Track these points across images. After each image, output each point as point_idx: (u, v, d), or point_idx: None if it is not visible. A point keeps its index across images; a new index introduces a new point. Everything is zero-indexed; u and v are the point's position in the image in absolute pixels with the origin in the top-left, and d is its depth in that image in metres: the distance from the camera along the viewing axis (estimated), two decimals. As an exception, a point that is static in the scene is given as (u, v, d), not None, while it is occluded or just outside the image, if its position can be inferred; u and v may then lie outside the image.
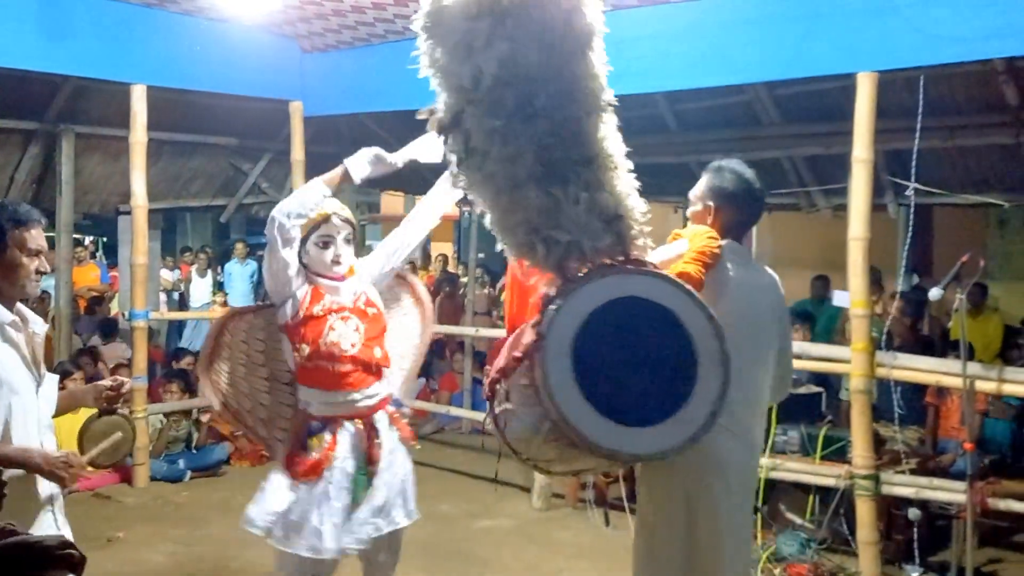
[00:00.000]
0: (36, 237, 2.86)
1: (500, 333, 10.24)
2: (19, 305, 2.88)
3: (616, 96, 3.64)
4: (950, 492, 5.16)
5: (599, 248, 2.66)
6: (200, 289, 12.22)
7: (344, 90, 7.76)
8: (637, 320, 2.62)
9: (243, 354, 3.84)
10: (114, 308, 11.41)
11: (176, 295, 12.48)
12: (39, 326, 2.94)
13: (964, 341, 4.53)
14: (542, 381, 2.53)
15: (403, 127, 10.28)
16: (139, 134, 6.82)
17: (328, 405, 3.70)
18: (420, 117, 2.76)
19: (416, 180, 10.79)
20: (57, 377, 3.07)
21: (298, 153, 7.90)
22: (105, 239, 17.32)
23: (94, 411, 3.13)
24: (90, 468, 3.10)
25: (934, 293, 4.45)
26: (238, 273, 12.24)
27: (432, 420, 9.24)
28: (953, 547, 5.37)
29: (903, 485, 5.31)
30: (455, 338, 10.17)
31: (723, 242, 3.04)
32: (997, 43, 4.98)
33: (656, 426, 2.60)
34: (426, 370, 10.24)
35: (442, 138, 2.75)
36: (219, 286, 12.44)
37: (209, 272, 12.49)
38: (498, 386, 2.78)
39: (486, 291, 11.98)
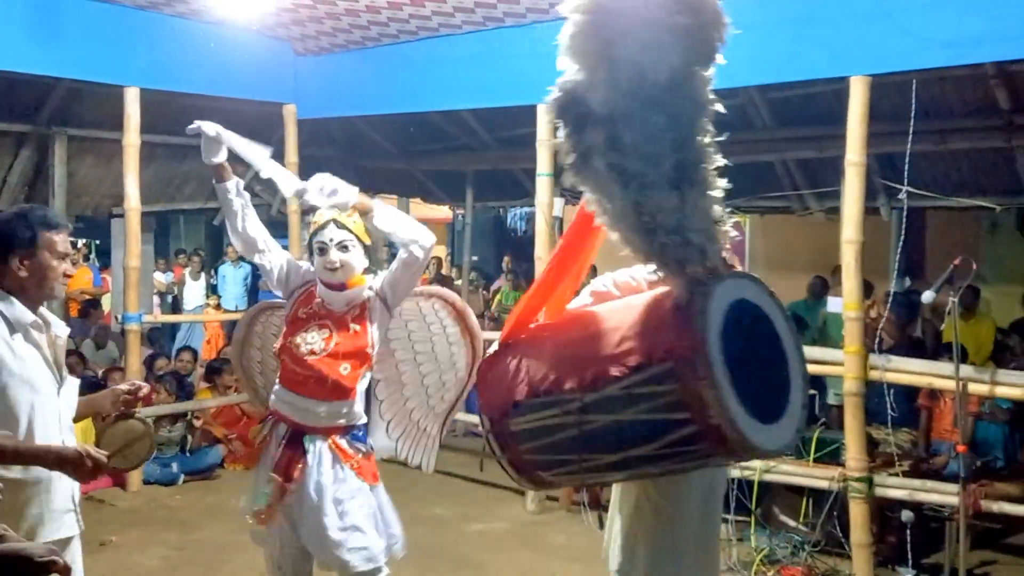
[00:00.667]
0: (63, 241, 2.91)
1: (496, 336, 10.32)
2: (41, 308, 2.93)
3: None
4: (943, 494, 5.18)
5: (717, 251, 2.68)
6: (193, 292, 12.21)
7: (338, 93, 7.76)
8: (745, 322, 2.68)
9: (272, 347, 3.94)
10: (106, 311, 11.39)
11: (169, 298, 12.46)
12: (61, 329, 2.97)
13: (957, 344, 4.55)
14: (710, 383, 2.44)
15: (396, 130, 10.40)
16: (132, 137, 6.80)
17: (280, 401, 3.74)
18: (548, 100, 2.55)
19: (409, 183, 10.83)
20: (78, 381, 3.08)
21: (292, 156, 7.90)
22: (98, 242, 17.26)
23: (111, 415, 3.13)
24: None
25: (927, 296, 4.47)
26: (231, 276, 12.22)
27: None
28: (946, 549, 5.39)
29: (896, 487, 5.33)
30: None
31: None
32: (988, 47, 5.01)
33: (778, 422, 2.65)
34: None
35: (570, 127, 2.55)
36: (212, 289, 12.42)
37: (202, 275, 12.47)
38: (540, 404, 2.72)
39: (480, 293, 11.98)
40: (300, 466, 3.62)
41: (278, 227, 11.10)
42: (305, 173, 8.43)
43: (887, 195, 7.39)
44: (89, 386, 7.68)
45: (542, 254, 6.70)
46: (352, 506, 3.64)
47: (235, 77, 7.36)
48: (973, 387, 5.07)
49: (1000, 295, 9.84)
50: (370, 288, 3.76)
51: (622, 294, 3.01)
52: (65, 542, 2.89)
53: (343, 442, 3.69)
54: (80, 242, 14.10)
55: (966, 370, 5.00)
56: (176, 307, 12.19)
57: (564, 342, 2.80)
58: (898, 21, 5.09)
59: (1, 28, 6.15)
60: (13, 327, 2.81)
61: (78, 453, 2.66)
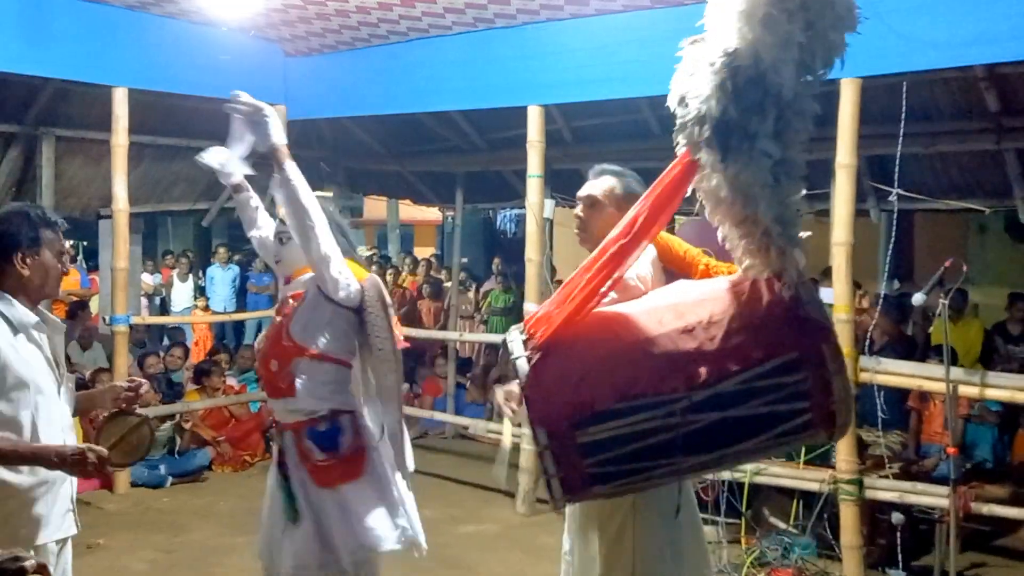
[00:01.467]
0: (61, 239, 2.95)
1: (486, 337, 10.28)
2: (39, 307, 2.93)
3: (600, 101, 3.70)
4: (933, 496, 5.18)
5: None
6: (181, 293, 12.16)
7: (328, 94, 7.74)
8: None
9: None
10: (93, 312, 11.33)
11: (158, 300, 12.41)
12: (57, 327, 2.97)
13: (947, 346, 4.56)
14: (838, 371, 2.51)
15: (386, 131, 10.37)
16: (121, 137, 6.76)
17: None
18: (722, 64, 2.41)
19: (399, 185, 10.81)
20: (75, 377, 3.10)
21: (281, 157, 7.87)
22: (85, 243, 17.18)
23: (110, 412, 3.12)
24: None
25: (917, 298, 4.46)
26: (220, 277, 12.19)
27: (415, 425, 9.21)
28: (936, 551, 5.39)
29: (887, 490, 5.33)
30: (438, 342, 10.16)
31: None
32: (978, 50, 5.02)
33: None
34: (409, 375, 10.22)
35: (744, 105, 2.44)
36: (201, 290, 12.38)
37: (190, 276, 12.43)
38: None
39: (469, 295, 11.97)
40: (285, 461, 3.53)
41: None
42: (295, 174, 8.38)
43: (876, 197, 7.40)
44: (76, 388, 7.66)
45: (533, 255, 6.69)
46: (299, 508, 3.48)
47: (224, 78, 7.29)
48: (963, 389, 5.07)
49: (988, 297, 9.89)
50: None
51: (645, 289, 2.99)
52: (62, 542, 2.91)
53: (306, 441, 3.46)
54: (67, 243, 14.01)
55: (956, 372, 5.00)
56: (164, 309, 12.14)
57: (645, 341, 2.62)
58: (889, 23, 5.09)
59: (-12, 29, 6.12)
60: (15, 328, 2.81)
61: (80, 450, 2.65)
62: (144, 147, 8.34)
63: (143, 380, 3.19)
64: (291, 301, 3.52)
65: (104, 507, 6.71)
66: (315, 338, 3.42)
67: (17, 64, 6.46)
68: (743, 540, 5.77)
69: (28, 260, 2.84)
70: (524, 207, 7.29)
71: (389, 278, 12.08)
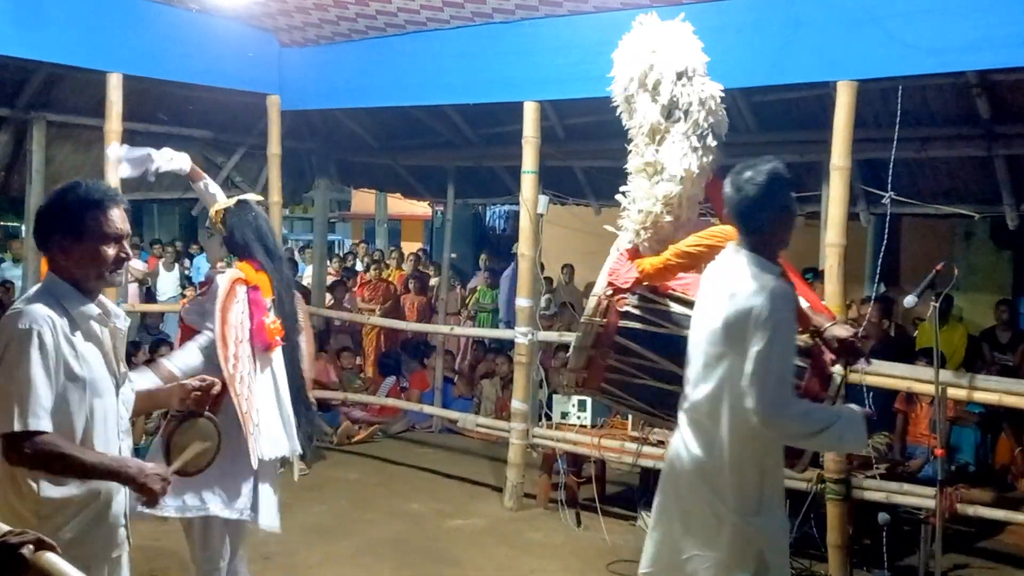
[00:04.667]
0: (115, 219, 2.62)
1: (475, 332, 10.26)
2: (100, 297, 2.69)
3: (596, 99, 3.83)
4: (920, 497, 5.23)
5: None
6: (167, 282, 12.11)
7: (322, 85, 7.71)
8: None
9: None
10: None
11: (144, 289, 12.35)
12: (121, 320, 2.74)
13: (937, 348, 4.59)
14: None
15: (378, 124, 10.34)
16: (114, 123, 6.71)
17: None
18: None
19: (390, 178, 10.79)
20: (135, 376, 2.90)
21: (275, 147, 7.85)
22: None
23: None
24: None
25: (909, 300, 4.49)
26: (206, 267, 12.13)
27: (403, 418, 9.21)
28: (920, 552, 5.45)
29: (874, 490, 5.38)
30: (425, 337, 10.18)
31: (729, 245, 3.18)
32: (972, 55, 5.06)
33: None
34: (397, 368, 10.22)
35: None
36: (188, 280, 12.33)
37: (176, 265, 12.38)
38: None
39: (456, 291, 11.99)
40: None
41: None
42: (286, 165, 8.40)
43: (867, 201, 7.45)
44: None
45: (526, 250, 6.70)
46: None
47: (219, 66, 7.30)
48: (952, 392, 5.12)
49: (973, 303, 9.99)
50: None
51: None
52: (115, 561, 2.72)
53: None
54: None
55: (945, 375, 5.05)
56: (151, 298, 12.08)
57: None
58: (885, 27, 5.14)
59: (-20, 11, 6.07)
60: (75, 322, 2.57)
61: (162, 470, 2.53)
62: (136, 134, 8.25)
63: (214, 379, 2.99)
64: (200, 287, 3.93)
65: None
66: (202, 323, 3.88)
67: (9, 47, 6.40)
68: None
69: (68, 246, 2.59)
70: (515, 203, 7.31)
71: (372, 272, 12.07)
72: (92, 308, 2.61)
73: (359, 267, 13.87)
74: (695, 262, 3.38)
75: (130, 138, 7.27)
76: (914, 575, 5.42)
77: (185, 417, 2.88)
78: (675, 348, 3.45)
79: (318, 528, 6.05)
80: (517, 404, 6.77)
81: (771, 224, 3.06)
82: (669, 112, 3.98)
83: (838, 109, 5.26)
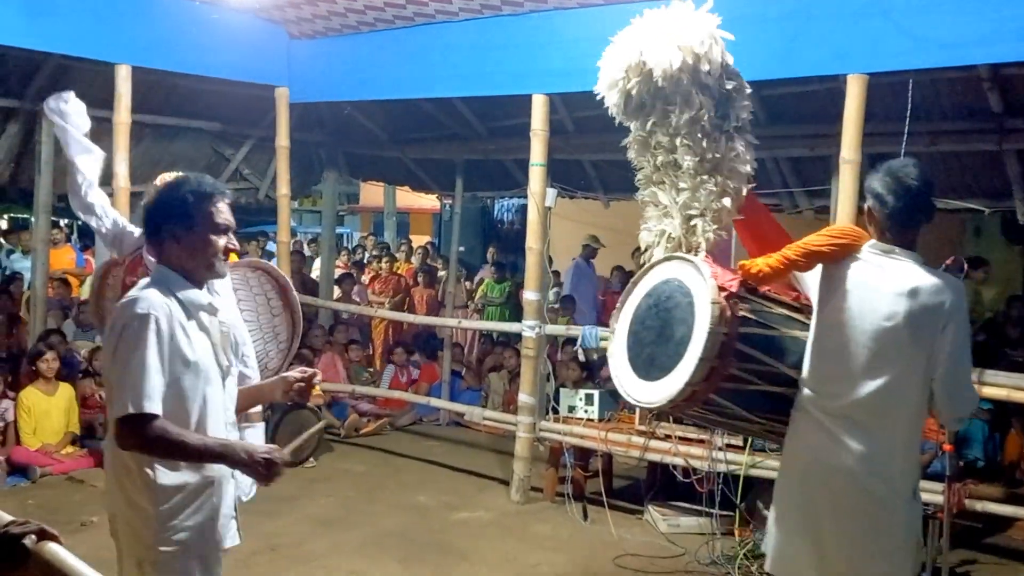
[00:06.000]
0: (223, 211, 2.69)
1: (481, 325, 10.25)
2: (206, 289, 2.75)
3: (601, 94, 3.82)
4: (928, 492, 5.20)
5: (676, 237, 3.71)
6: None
7: (331, 77, 7.71)
8: (671, 297, 3.52)
9: None
10: (85, 292, 11.28)
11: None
12: (211, 307, 2.75)
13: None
14: None
15: (387, 117, 10.33)
16: (123, 115, 6.73)
17: None
18: None
19: (398, 171, 10.79)
20: (238, 370, 2.91)
21: (283, 139, 7.86)
22: (79, 222, 17.09)
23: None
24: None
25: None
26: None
27: (410, 411, 9.22)
28: (928, 547, 5.41)
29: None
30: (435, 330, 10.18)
31: (868, 242, 3.20)
32: (983, 49, 5.03)
33: (653, 382, 3.44)
34: (407, 360, 10.16)
35: None
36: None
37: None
38: None
39: (464, 284, 11.98)
40: None
41: (266, 212, 11.08)
42: (294, 158, 8.40)
43: (876, 196, 7.41)
44: (73, 366, 7.65)
45: (533, 244, 6.69)
46: None
47: (228, 58, 7.31)
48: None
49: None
50: None
51: None
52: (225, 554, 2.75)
53: None
54: (63, 222, 13.97)
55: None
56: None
57: None
58: (895, 20, 5.11)
59: (-11, 2, 6.08)
60: (189, 311, 2.62)
61: (270, 451, 2.54)
62: (144, 126, 8.30)
63: (316, 370, 2.99)
64: None
65: (96, 485, 6.68)
66: None
67: (19, 38, 6.42)
68: (737, 532, 5.81)
69: (180, 236, 2.64)
70: (523, 196, 7.29)
71: (384, 265, 12.07)
72: (203, 297, 2.67)
73: (367, 260, 13.87)
74: (817, 261, 3.25)
75: (139, 130, 7.31)
76: (922, 571, 5.39)
77: (289, 408, 2.89)
78: (778, 350, 3.42)
79: (325, 519, 6.05)
80: (524, 397, 6.77)
81: (926, 223, 3.20)
82: (721, 105, 3.84)
83: (848, 102, 5.24)
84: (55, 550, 1.69)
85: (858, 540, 3.15)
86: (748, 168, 3.87)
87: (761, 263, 3.27)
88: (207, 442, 2.56)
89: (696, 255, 3.68)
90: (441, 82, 7.15)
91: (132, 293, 2.61)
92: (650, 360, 3.52)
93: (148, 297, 2.56)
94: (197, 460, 2.58)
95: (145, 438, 2.48)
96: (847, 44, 5.28)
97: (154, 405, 2.47)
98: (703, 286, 3.39)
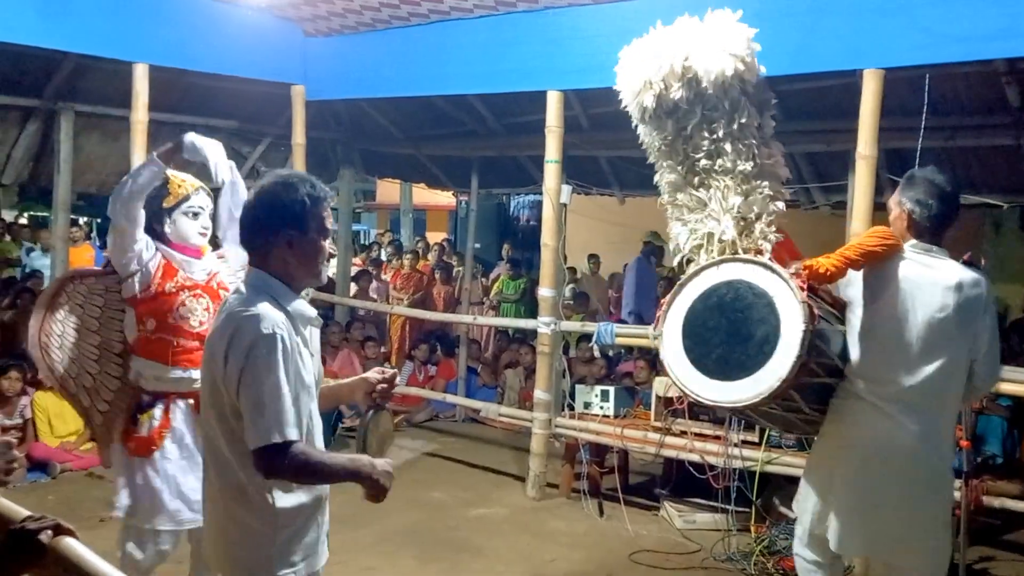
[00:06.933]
0: (330, 215, 2.57)
1: (497, 321, 10.26)
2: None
3: (626, 97, 3.84)
4: (945, 489, 5.18)
5: (727, 240, 3.79)
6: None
7: (347, 75, 7.72)
8: (739, 298, 3.60)
9: (77, 319, 3.84)
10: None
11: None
12: (316, 321, 2.66)
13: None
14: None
15: (402, 114, 10.35)
16: (140, 114, 6.76)
17: (163, 380, 3.73)
18: None
19: (414, 168, 10.81)
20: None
21: (299, 137, 7.88)
22: (99, 220, 17.22)
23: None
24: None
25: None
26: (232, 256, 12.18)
27: (427, 407, 9.24)
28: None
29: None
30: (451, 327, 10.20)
31: (910, 242, 3.58)
32: (1001, 43, 4.99)
33: (732, 382, 3.53)
34: (429, 357, 10.17)
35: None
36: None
37: (203, 255, 12.41)
38: None
39: (480, 280, 11.99)
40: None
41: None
42: (310, 155, 8.42)
43: (893, 191, 7.36)
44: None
45: (549, 241, 6.70)
46: None
47: (244, 57, 7.33)
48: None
49: (1002, 293, 9.86)
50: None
51: None
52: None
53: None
54: (82, 220, 14.07)
55: (971, 365, 4.98)
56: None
57: None
58: (912, 15, 5.08)
59: (9, 1, 6.12)
60: (295, 324, 2.50)
61: (390, 464, 2.51)
62: (162, 124, 8.32)
63: (394, 370, 2.95)
64: (216, 278, 3.89)
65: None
66: None
67: (37, 38, 6.46)
68: (753, 529, 5.79)
69: (294, 241, 2.51)
70: (539, 193, 7.29)
71: (406, 262, 12.09)
72: (309, 309, 2.57)
73: (383, 257, 13.91)
74: (871, 260, 3.55)
75: (156, 128, 7.34)
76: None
77: (371, 410, 2.86)
78: (830, 343, 3.64)
79: (340, 516, 6.00)
80: (540, 394, 6.77)
81: (954, 223, 3.63)
82: (760, 109, 3.99)
83: (864, 98, 5.21)
84: (71, 545, 1.71)
85: (919, 511, 3.52)
86: (786, 172, 4.05)
87: (826, 263, 3.52)
88: (337, 459, 2.54)
89: (758, 257, 3.76)
90: (456, 79, 7.15)
91: (246, 308, 2.44)
92: (723, 360, 3.63)
93: (267, 314, 2.42)
94: (335, 480, 2.54)
95: (291, 465, 2.40)
96: (863, 39, 5.25)
97: (293, 431, 2.40)
98: (782, 287, 3.53)
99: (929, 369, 3.45)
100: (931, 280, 3.49)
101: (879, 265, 3.54)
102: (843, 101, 6.67)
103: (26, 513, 1.77)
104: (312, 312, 2.59)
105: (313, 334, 2.62)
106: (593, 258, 12.65)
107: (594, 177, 9.11)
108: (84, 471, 6.87)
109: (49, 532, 1.69)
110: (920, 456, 3.47)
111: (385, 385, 2.84)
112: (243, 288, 2.53)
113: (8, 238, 11.31)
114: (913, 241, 3.58)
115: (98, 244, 13.41)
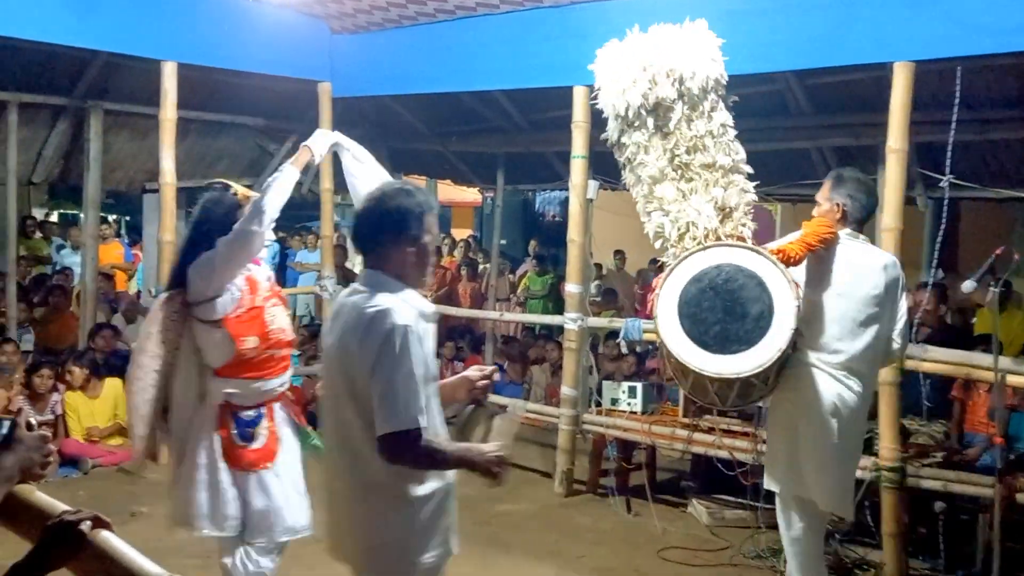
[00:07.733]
0: (436, 223, 2.75)
1: (523, 317, 10.25)
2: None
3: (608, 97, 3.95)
4: (977, 486, 5.13)
5: (711, 228, 4.10)
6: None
7: (373, 72, 7.74)
8: (731, 279, 3.87)
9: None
10: (133, 287, 11.46)
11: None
12: (432, 316, 2.75)
13: (996, 334, 4.50)
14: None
15: (428, 110, 10.35)
16: (169, 112, 6.82)
17: (261, 393, 3.70)
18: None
19: (440, 165, 10.81)
20: None
21: (326, 134, 7.90)
22: (128, 218, 17.35)
23: None
24: None
25: (967, 286, 4.38)
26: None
27: (453, 403, 9.23)
28: (978, 542, 5.34)
29: (931, 478, 5.28)
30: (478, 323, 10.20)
31: (843, 231, 3.95)
32: (1032, 35, 4.92)
33: (734, 355, 3.81)
34: (458, 353, 10.19)
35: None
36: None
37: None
38: None
39: (507, 276, 11.98)
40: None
41: (309, 207, 11.17)
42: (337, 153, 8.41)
43: (924, 185, 7.30)
44: (124, 360, 7.75)
45: (575, 236, 6.68)
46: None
47: (271, 54, 7.37)
48: (1011, 379, 4.99)
49: (1033, 289, 9.73)
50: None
51: None
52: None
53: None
54: (111, 217, 14.18)
55: (1004, 362, 4.92)
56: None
57: None
58: (943, 6, 5.03)
59: (40, 0, 6.18)
60: (419, 320, 2.61)
61: (500, 452, 2.61)
62: (190, 122, 8.41)
63: (494, 367, 3.03)
64: (271, 276, 3.92)
65: (146, 476, 6.79)
66: None
67: (67, 37, 6.54)
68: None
69: (413, 245, 2.65)
70: (565, 189, 7.27)
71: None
72: (428, 305, 2.68)
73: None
74: (824, 246, 3.92)
75: (184, 126, 7.41)
76: (971, 565, 5.32)
77: (477, 408, 2.90)
78: None
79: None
80: (567, 390, 6.76)
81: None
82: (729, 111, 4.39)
83: (895, 91, 5.15)
84: (109, 538, 1.71)
85: (854, 460, 4.15)
86: (749, 169, 4.36)
87: (793, 248, 3.89)
88: (452, 447, 2.63)
89: (742, 242, 4.12)
90: (482, 75, 7.16)
91: (371, 302, 2.56)
92: (722, 336, 3.90)
93: (398, 308, 2.54)
94: (452, 467, 2.67)
95: (417, 451, 2.51)
96: (893, 32, 5.20)
97: (422, 419, 2.50)
98: (771, 268, 3.85)
99: (867, 339, 3.91)
100: (868, 263, 3.95)
101: (823, 250, 3.93)
102: (873, 94, 6.60)
103: (63, 507, 1.78)
104: (431, 308, 2.69)
105: (429, 330, 2.67)
106: (619, 254, 12.62)
107: (620, 172, 9.05)
108: (115, 466, 6.93)
109: (88, 523, 1.70)
110: (859, 411, 3.99)
111: (486, 382, 2.91)
112: (361, 287, 2.66)
113: (39, 235, 11.40)
114: (847, 230, 3.98)
115: (127, 241, 13.53)
